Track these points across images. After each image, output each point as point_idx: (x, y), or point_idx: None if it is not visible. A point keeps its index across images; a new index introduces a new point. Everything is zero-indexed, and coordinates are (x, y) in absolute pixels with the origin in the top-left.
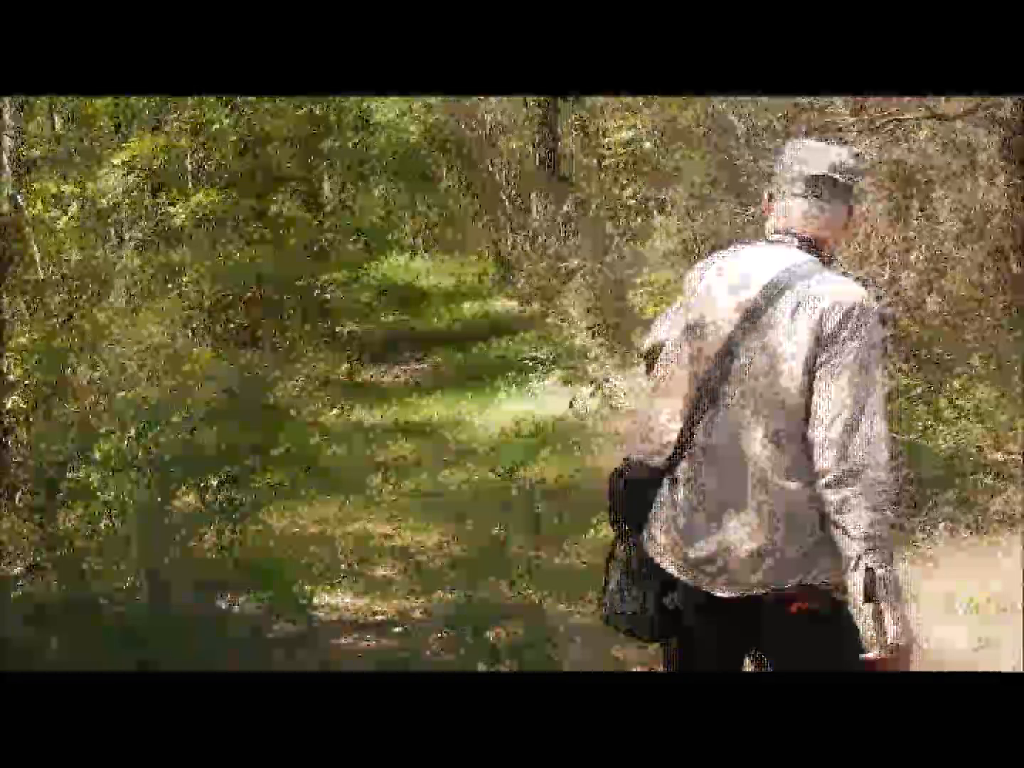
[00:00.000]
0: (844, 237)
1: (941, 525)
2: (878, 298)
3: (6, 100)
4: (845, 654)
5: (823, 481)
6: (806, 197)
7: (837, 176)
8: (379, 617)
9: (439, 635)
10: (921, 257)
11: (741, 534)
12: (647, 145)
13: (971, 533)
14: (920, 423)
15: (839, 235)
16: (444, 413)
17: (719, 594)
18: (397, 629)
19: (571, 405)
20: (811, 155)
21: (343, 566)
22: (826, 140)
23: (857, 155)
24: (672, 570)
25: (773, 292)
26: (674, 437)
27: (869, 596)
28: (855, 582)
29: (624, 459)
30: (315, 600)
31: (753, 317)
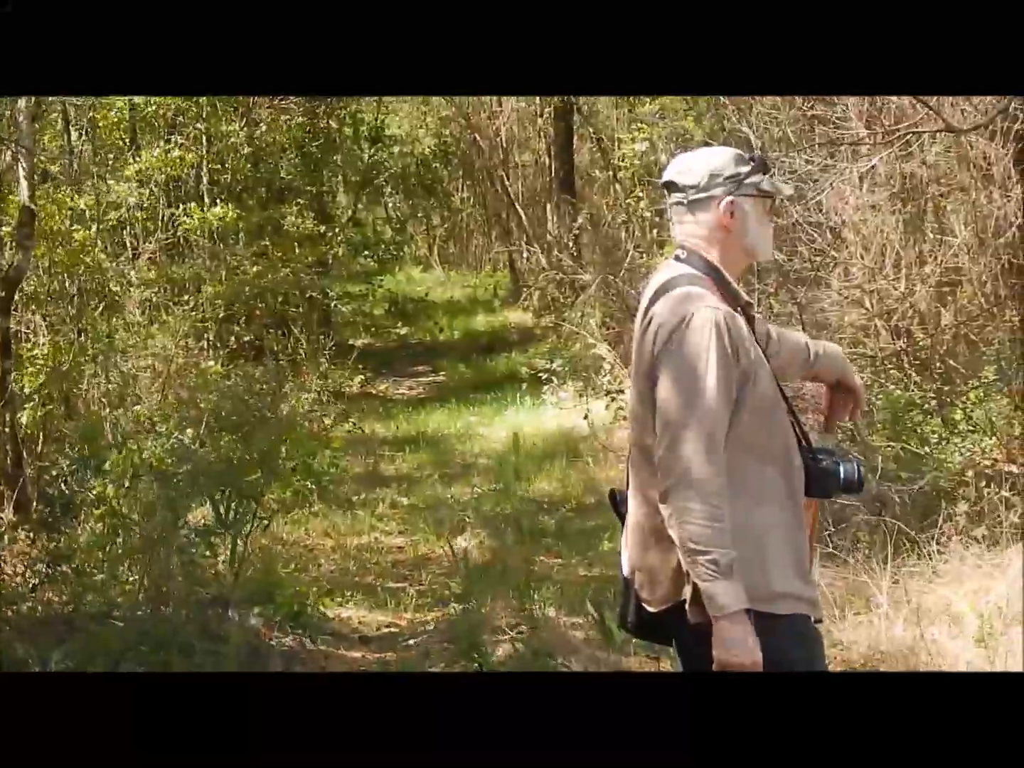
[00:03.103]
0: (734, 228)
1: (955, 538)
2: (889, 312)
3: (22, 110)
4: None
5: (658, 496)
6: (683, 206)
7: (698, 182)
8: (387, 630)
9: (445, 647)
10: (935, 270)
11: (640, 552)
12: (662, 157)
13: (984, 546)
14: (935, 435)
15: (720, 236)
16: (455, 426)
17: (647, 608)
18: (410, 642)
19: (586, 417)
20: (687, 164)
21: (353, 579)
22: (710, 144)
23: (741, 156)
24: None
25: (642, 316)
26: None
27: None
28: (687, 594)
29: None
30: (324, 612)
31: (634, 343)
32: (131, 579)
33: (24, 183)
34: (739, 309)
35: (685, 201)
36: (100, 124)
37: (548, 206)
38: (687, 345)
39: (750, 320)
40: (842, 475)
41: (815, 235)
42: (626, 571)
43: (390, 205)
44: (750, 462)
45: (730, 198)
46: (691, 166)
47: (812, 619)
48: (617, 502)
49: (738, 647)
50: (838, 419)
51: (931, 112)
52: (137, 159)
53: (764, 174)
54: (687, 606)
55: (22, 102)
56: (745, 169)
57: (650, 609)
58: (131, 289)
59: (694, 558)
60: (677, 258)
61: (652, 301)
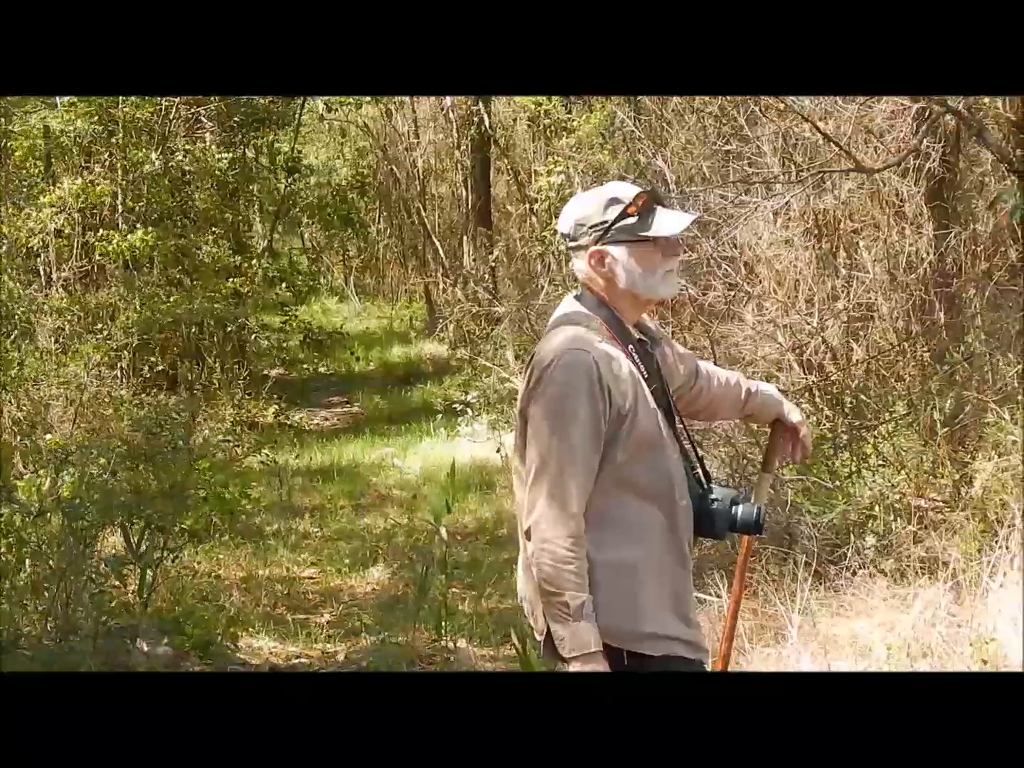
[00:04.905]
0: (609, 276)
1: (862, 571)
2: (802, 347)
3: None
4: None
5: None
6: (571, 251)
7: (567, 231)
8: (298, 661)
9: None
10: (848, 305)
11: (524, 580)
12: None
13: (892, 579)
14: (845, 469)
15: (601, 282)
16: (369, 457)
17: (535, 636)
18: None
19: (498, 450)
20: (564, 211)
21: (264, 610)
22: (624, 178)
23: (613, 200)
24: None
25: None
26: None
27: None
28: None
29: None
30: (234, 643)
31: None
32: (39, 609)
33: None
34: (630, 347)
35: (566, 247)
36: (15, 152)
37: (464, 238)
38: (553, 386)
39: (645, 358)
40: (738, 516)
41: (729, 270)
42: (518, 598)
43: (306, 235)
44: (629, 499)
45: (594, 248)
46: (564, 213)
47: (694, 660)
48: None
49: None
50: (778, 459)
51: (842, 152)
52: (58, 187)
53: (646, 212)
54: (542, 644)
55: None
56: (613, 215)
57: (536, 637)
58: (44, 316)
59: (547, 599)
60: (576, 296)
61: (543, 337)
